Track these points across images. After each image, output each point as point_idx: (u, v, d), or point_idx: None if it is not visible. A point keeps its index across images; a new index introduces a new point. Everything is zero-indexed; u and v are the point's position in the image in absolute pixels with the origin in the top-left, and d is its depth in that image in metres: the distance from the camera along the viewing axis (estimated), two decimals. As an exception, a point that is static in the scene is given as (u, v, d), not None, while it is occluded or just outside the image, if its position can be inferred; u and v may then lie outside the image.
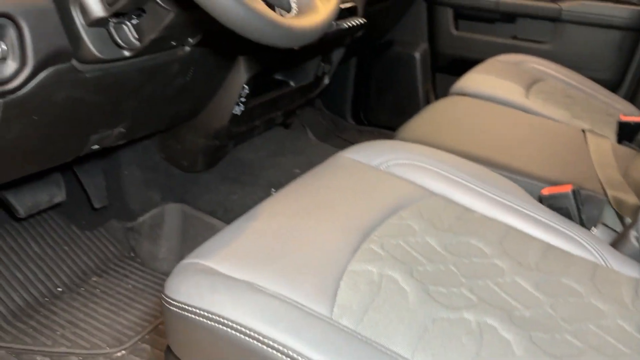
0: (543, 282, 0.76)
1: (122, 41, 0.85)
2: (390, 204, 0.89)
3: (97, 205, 1.47)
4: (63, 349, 1.19)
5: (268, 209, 0.85)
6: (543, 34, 2.10)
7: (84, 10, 0.81)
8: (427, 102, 2.45)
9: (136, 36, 0.86)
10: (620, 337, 0.67)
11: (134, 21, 0.86)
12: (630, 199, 1.01)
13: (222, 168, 1.58)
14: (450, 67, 2.38)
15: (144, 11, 0.85)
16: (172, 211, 1.48)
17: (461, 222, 0.87)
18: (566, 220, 0.92)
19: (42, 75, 0.81)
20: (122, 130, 1.10)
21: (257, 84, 1.40)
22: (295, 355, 0.59)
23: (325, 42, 1.33)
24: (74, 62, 0.86)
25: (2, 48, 0.75)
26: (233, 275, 0.67)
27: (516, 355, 0.63)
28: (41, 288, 1.30)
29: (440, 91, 2.46)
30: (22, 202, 1.26)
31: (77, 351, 1.19)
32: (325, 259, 0.72)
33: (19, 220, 1.37)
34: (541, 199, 1.01)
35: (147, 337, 1.24)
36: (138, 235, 1.50)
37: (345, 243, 0.76)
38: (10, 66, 0.77)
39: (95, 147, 1.10)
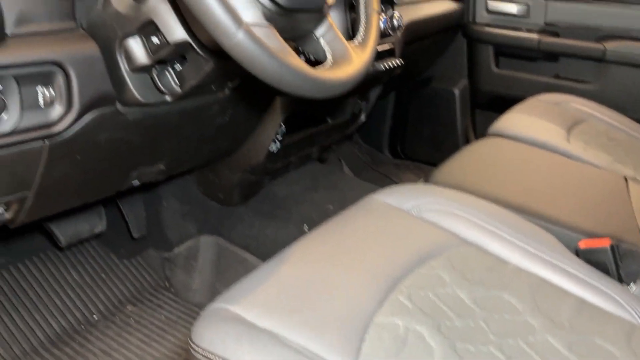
0: (576, 342, 0.73)
1: (164, 87, 0.89)
2: (421, 251, 0.89)
3: (136, 235, 1.51)
4: (96, 378, 1.22)
5: (297, 253, 0.86)
6: (586, 73, 2.06)
7: (129, 57, 0.85)
8: (466, 138, 2.43)
9: (177, 82, 0.89)
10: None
11: (176, 67, 0.90)
12: (674, 254, 0.97)
13: (257, 202, 1.60)
14: (490, 104, 2.36)
15: (185, 59, 0.88)
16: (207, 243, 1.51)
17: (493, 273, 0.86)
18: (603, 275, 0.89)
19: (86, 118, 0.85)
20: (162, 167, 1.14)
21: (294, 121, 1.42)
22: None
23: (362, 82, 1.34)
24: (117, 105, 0.90)
25: (50, 93, 0.80)
26: (258, 324, 0.68)
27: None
28: (78, 315, 1.34)
29: (479, 127, 2.44)
30: (64, 231, 1.31)
31: (109, 381, 1.22)
32: (351, 309, 0.72)
33: (60, 248, 1.42)
34: (577, 252, 0.98)
35: (176, 370, 1.26)
36: (173, 265, 1.53)
37: (373, 293, 0.76)
38: (57, 110, 0.81)
39: (136, 182, 1.13)
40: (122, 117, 0.92)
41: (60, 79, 0.80)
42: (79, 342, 1.30)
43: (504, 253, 0.93)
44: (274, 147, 1.41)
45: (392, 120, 2.57)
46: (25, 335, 1.27)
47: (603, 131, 1.57)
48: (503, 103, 2.26)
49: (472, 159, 1.34)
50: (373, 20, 0.92)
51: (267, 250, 1.47)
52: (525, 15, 2.15)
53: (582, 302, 0.82)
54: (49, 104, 0.80)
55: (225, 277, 1.47)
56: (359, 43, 0.90)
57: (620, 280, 0.95)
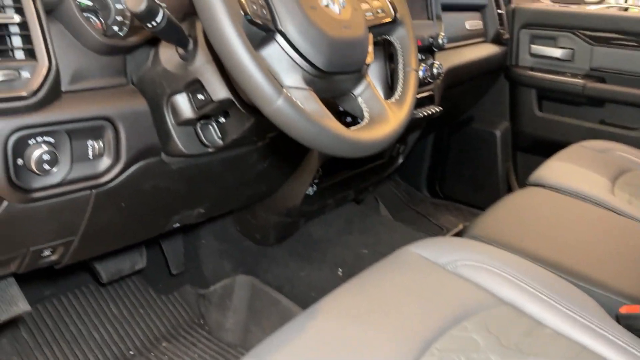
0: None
1: (207, 140, 0.92)
2: (455, 310, 0.88)
3: (174, 271, 1.55)
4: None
5: (329, 307, 0.86)
6: (633, 119, 2.01)
7: (175, 112, 0.88)
8: (507, 181, 2.39)
9: (220, 135, 0.93)
10: None
11: (220, 120, 0.93)
12: None
13: (292, 243, 1.62)
14: (533, 147, 2.32)
15: (228, 113, 0.92)
16: (242, 283, 1.53)
17: (530, 339, 0.84)
18: (645, 344, 0.86)
19: (132, 168, 0.89)
20: (202, 211, 1.17)
21: (331, 165, 1.44)
22: None
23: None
24: (162, 156, 0.94)
25: (99, 146, 0.84)
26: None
27: None
28: (115, 350, 1.37)
29: (521, 170, 2.40)
30: (106, 268, 1.36)
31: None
32: (380, 373, 0.72)
33: (102, 283, 1.46)
34: (618, 318, 0.95)
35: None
36: (208, 303, 1.55)
37: (404, 355, 0.75)
38: (105, 162, 0.85)
39: (176, 225, 1.17)
40: (166, 167, 0.95)
41: (109, 133, 0.84)
42: (115, 377, 1.33)
43: (541, 315, 0.91)
44: (310, 190, 1.43)
45: (431, 159, 2.56)
46: (65, 367, 1.31)
47: (650, 182, 1.53)
48: (546, 147, 2.23)
49: (511, 211, 1.32)
50: (411, 78, 0.94)
51: (300, 292, 1.48)
52: (570, 59, 2.13)
53: (622, 373, 0.79)
54: (98, 156, 0.84)
55: (259, 318, 1.49)
56: (396, 100, 0.91)
57: (664, 350, 0.91)
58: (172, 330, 1.49)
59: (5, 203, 0.76)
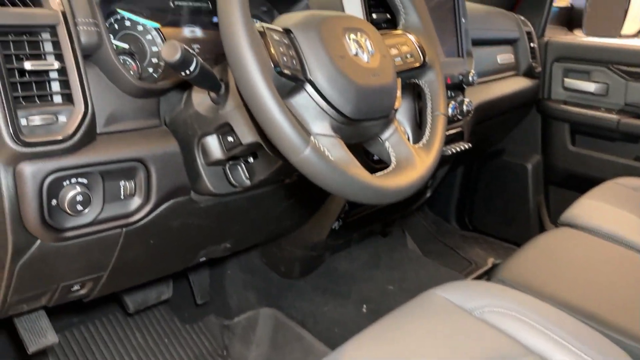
0: None
1: (235, 180, 0.93)
2: (481, 359, 0.86)
3: (199, 301, 1.56)
4: None
5: (352, 352, 0.86)
6: (670, 157, 1.96)
7: (205, 153, 0.90)
8: (538, 215, 2.35)
9: (248, 176, 0.94)
10: None
11: (248, 160, 0.94)
12: None
13: (317, 276, 1.61)
14: (565, 182, 2.28)
15: (256, 155, 0.93)
16: (266, 316, 1.53)
17: (557, 394, 0.81)
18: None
19: (162, 207, 0.91)
20: (228, 245, 1.18)
21: (358, 199, 1.44)
22: None
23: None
24: (191, 194, 0.95)
25: (131, 186, 0.86)
26: None
27: None
28: (139, 380, 1.38)
29: (553, 205, 2.35)
30: (133, 299, 1.37)
31: None
32: None
33: (128, 312, 1.48)
34: (652, 374, 0.91)
35: None
36: (232, 334, 1.55)
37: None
38: (136, 202, 0.87)
39: (203, 259, 1.18)
40: (195, 205, 0.97)
41: (141, 174, 0.86)
42: (137, 408, 1.33)
43: (570, 368, 0.88)
44: (336, 224, 1.43)
45: (461, 190, 2.53)
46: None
47: (688, 225, 1.47)
48: (579, 182, 2.18)
49: (542, 253, 1.30)
50: (439, 123, 0.93)
51: (324, 328, 1.47)
52: (604, 94, 2.09)
53: None
54: (129, 196, 0.86)
55: (282, 353, 1.48)
56: (424, 145, 0.91)
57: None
58: (195, 360, 1.50)
59: (38, 242, 0.78)
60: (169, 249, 1.03)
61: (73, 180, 0.77)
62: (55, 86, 0.76)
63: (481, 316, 0.99)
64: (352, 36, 0.79)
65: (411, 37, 0.95)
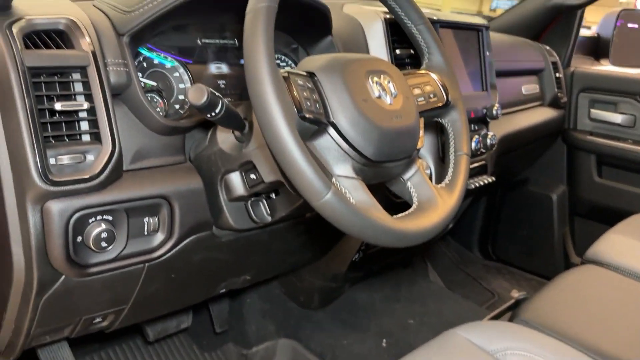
0: None
1: (257, 216, 0.94)
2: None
3: (218, 329, 1.56)
4: None
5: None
6: (700, 191, 1.91)
7: (228, 189, 0.91)
8: (563, 246, 2.30)
9: (269, 212, 0.94)
10: None
11: (271, 195, 0.95)
12: None
13: (336, 308, 1.60)
14: (591, 213, 2.24)
15: (278, 192, 0.93)
16: (284, 348, 1.52)
17: None
18: None
19: (184, 242, 0.92)
20: (248, 277, 1.18)
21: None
22: None
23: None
24: (213, 229, 0.96)
25: (154, 222, 0.87)
26: None
27: None
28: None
29: (578, 236, 2.31)
30: (153, 328, 1.38)
31: None
32: None
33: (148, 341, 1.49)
34: None
35: None
36: (250, 364, 1.55)
37: None
38: (159, 237, 0.88)
39: (223, 290, 1.18)
40: (217, 240, 0.97)
41: (165, 210, 0.87)
42: None
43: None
44: (357, 256, 1.42)
45: (484, 219, 2.50)
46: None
47: None
48: (605, 214, 2.14)
49: (566, 293, 1.27)
50: (462, 163, 0.93)
51: (341, 362, 1.45)
52: (631, 125, 2.06)
53: None
54: (152, 232, 0.87)
55: (299, 385, 1.47)
56: (446, 185, 0.90)
57: None
58: (212, 390, 1.49)
59: (62, 277, 0.79)
60: (190, 282, 1.04)
61: (99, 217, 0.79)
62: (84, 125, 0.78)
63: (503, 359, 0.97)
64: (375, 79, 0.79)
65: (434, 76, 0.95)
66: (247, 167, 0.88)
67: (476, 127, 1.45)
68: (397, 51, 1.22)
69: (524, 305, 1.21)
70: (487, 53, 1.50)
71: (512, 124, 1.75)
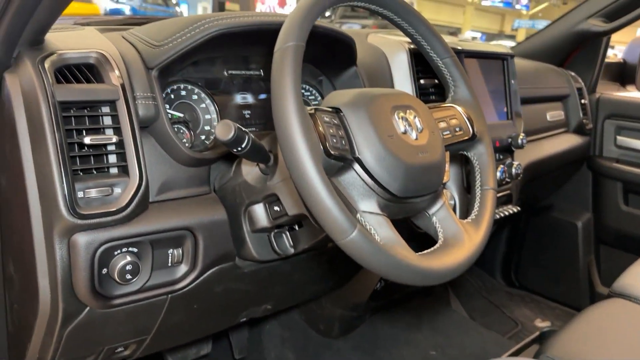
0: None
1: (279, 248, 0.94)
2: None
3: (237, 356, 1.55)
4: None
5: None
6: None
7: (252, 221, 0.91)
8: (589, 275, 2.25)
9: (292, 244, 0.94)
10: None
11: (293, 227, 0.95)
12: None
13: (357, 337, 1.58)
14: (617, 242, 2.19)
15: (301, 224, 0.93)
16: (305, 377, 1.50)
17: None
18: None
19: (207, 273, 0.91)
20: (269, 307, 1.18)
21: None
22: None
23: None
24: (236, 260, 0.96)
25: (178, 254, 0.87)
26: None
27: None
28: None
29: (604, 265, 2.26)
30: (174, 355, 1.38)
31: None
32: None
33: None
34: None
35: None
36: (269, 391, 1.53)
37: None
38: (182, 269, 0.88)
39: (244, 319, 1.18)
40: (239, 271, 0.97)
41: (189, 242, 0.87)
42: None
43: None
44: (379, 285, 1.41)
45: (507, 245, 2.46)
46: None
47: None
48: (632, 243, 2.09)
49: (592, 329, 1.23)
50: (489, 198, 0.91)
51: (363, 393, 1.43)
52: (660, 153, 2.02)
53: None
54: (176, 263, 0.87)
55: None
56: (472, 220, 0.89)
57: None
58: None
59: (87, 309, 0.80)
60: (212, 312, 1.04)
61: (124, 249, 0.79)
62: (112, 158, 0.78)
63: (530, 399, 0.94)
64: (401, 114, 0.79)
65: (460, 109, 0.94)
66: (271, 200, 0.88)
67: (501, 156, 1.43)
68: (422, 81, 1.22)
69: (551, 341, 1.18)
70: (512, 81, 1.49)
71: (537, 151, 1.73)
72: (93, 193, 0.75)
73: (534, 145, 1.75)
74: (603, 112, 2.15)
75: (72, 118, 0.77)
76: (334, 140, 0.70)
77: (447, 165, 0.88)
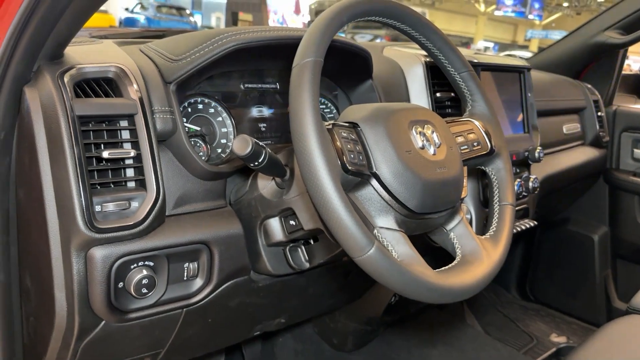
0: None
1: (294, 263, 0.93)
2: None
3: (250, 368, 1.54)
4: None
5: None
6: None
7: (267, 234, 0.91)
8: (605, 289, 2.22)
9: (307, 258, 0.93)
10: None
11: (309, 241, 0.94)
12: None
13: (370, 350, 1.56)
14: (635, 256, 2.15)
15: (316, 238, 0.92)
16: (317, 392, 1.49)
17: None
18: None
19: (222, 287, 0.91)
20: (283, 320, 1.17)
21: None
22: None
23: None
24: (251, 274, 0.95)
25: (194, 267, 0.87)
26: None
27: None
28: None
29: (621, 280, 2.22)
30: (186, 367, 1.37)
31: None
32: None
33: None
34: None
35: None
36: (281, 407, 1.52)
37: None
38: (197, 283, 0.88)
39: (257, 333, 1.17)
40: (254, 285, 0.97)
41: (205, 256, 0.87)
42: None
43: None
44: (393, 299, 1.39)
45: (522, 259, 2.43)
46: None
47: None
48: (650, 258, 2.06)
49: (612, 347, 1.21)
50: (507, 214, 0.90)
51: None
52: (678, 166, 1.99)
53: None
54: (191, 277, 0.87)
55: None
56: (491, 237, 0.88)
57: None
58: None
59: (102, 323, 0.80)
60: (226, 325, 1.03)
61: (140, 263, 0.79)
62: (130, 172, 0.79)
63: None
64: (419, 129, 0.78)
65: (477, 123, 0.93)
66: (287, 214, 0.87)
67: (518, 170, 1.42)
68: (438, 94, 1.21)
69: (569, 357, 1.16)
70: (529, 94, 1.48)
71: (553, 164, 1.71)
72: (110, 207, 0.75)
73: (551, 158, 1.73)
74: (620, 124, 2.12)
75: (91, 132, 0.77)
76: (352, 156, 0.70)
77: (464, 181, 0.87)
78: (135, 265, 0.79)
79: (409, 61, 1.22)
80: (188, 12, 15.46)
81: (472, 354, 1.62)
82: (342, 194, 0.64)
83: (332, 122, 0.73)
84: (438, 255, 0.93)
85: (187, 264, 0.85)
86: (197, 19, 16.01)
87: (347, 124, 0.74)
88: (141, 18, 13.91)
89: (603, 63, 2.13)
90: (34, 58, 0.77)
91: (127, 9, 14.21)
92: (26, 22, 0.71)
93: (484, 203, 1.26)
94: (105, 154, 0.75)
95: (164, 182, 0.81)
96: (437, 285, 0.71)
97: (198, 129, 0.96)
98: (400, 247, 0.72)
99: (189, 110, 0.95)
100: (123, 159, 0.78)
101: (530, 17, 21.58)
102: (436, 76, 1.21)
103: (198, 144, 0.95)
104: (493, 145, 0.93)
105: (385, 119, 0.76)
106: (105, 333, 0.81)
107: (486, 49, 19.76)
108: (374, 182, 0.73)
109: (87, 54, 0.85)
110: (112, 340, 0.83)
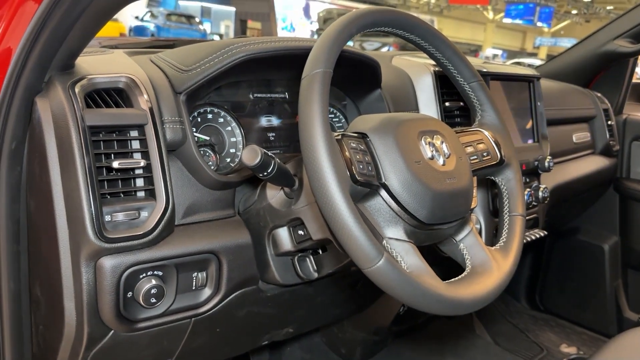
0: None
1: (303, 273, 0.93)
2: None
3: (257, 378, 1.53)
4: None
5: None
6: None
7: (275, 244, 0.91)
8: (616, 300, 2.19)
9: (315, 268, 0.93)
10: None
11: (318, 251, 0.94)
12: None
13: (380, 361, 1.56)
14: (646, 266, 2.14)
15: (325, 248, 0.92)
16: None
17: None
18: None
19: (230, 297, 0.91)
20: (291, 330, 1.17)
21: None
22: None
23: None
24: (259, 284, 0.95)
25: (202, 277, 0.87)
26: None
27: None
28: None
29: (632, 290, 2.20)
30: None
31: None
32: None
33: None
34: None
35: None
36: (289, 416, 1.51)
37: None
38: (206, 292, 0.88)
39: (265, 342, 1.17)
40: (262, 294, 0.97)
41: (213, 265, 0.87)
42: None
43: None
44: (402, 309, 1.39)
45: (531, 269, 2.41)
46: None
47: None
48: (662, 268, 2.04)
49: (621, 358, 1.19)
50: (517, 225, 0.89)
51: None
52: (689, 176, 1.98)
53: None
54: (200, 286, 0.87)
55: None
56: (501, 247, 0.87)
57: None
58: None
59: (111, 332, 0.80)
60: (234, 335, 1.03)
61: (149, 273, 0.79)
62: (140, 182, 0.79)
63: None
64: (428, 139, 0.78)
65: (487, 133, 0.93)
66: (295, 223, 0.87)
67: (527, 180, 1.41)
68: (447, 103, 1.21)
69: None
70: (539, 103, 1.48)
71: (563, 174, 1.70)
72: (120, 217, 0.75)
73: (560, 167, 1.72)
74: (630, 133, 2.11)
75: (101, 142, 0.77)
76: (361, 166, 0.70)
77: (474, 191, 0.87)
78: (144, 274, 0.79)
79: (418, 71, 1.22)
80: (197, 20, 15.57)
81: (481, 364, 1.61)
82: (351, 205, 0.64)
83: (341, 132, 0.73)
84: (447, 265, 0.92)
85: (195, 273, 0.85)
86: (207, 27, 16.12)
87: (356, 135, 0.74)
88: (151, 26, 14.04)
89: (613, 72, 2.12)
90: (45, 69, 0.77)
91: (137, 17, 14.35)
92: (38, 33, 0.72)
93: (494, 213, 1.25)
94: (116, 164, 0.76)
95: (173, 191, 0.81)
96: (447, 297, 0.71)
97: (207, 138, 0.96)
98: (410, 258, 0.71)
99: (199, 120, 0.96)
100: (133, 169, 0.78)
101: (539, 24, 21.55)
102: (445, 85, 1.21)
103: (207, 154, 0.95)
104: (503, 156, 0.92)
105: (394, 129, 0.75)
106: (114, 343, 0.81)
107: (495, 56, 19.73)
108: (383, 192, 0.73)
109: (98, 64, 0.86)
110: (121, 350, 0.83)
